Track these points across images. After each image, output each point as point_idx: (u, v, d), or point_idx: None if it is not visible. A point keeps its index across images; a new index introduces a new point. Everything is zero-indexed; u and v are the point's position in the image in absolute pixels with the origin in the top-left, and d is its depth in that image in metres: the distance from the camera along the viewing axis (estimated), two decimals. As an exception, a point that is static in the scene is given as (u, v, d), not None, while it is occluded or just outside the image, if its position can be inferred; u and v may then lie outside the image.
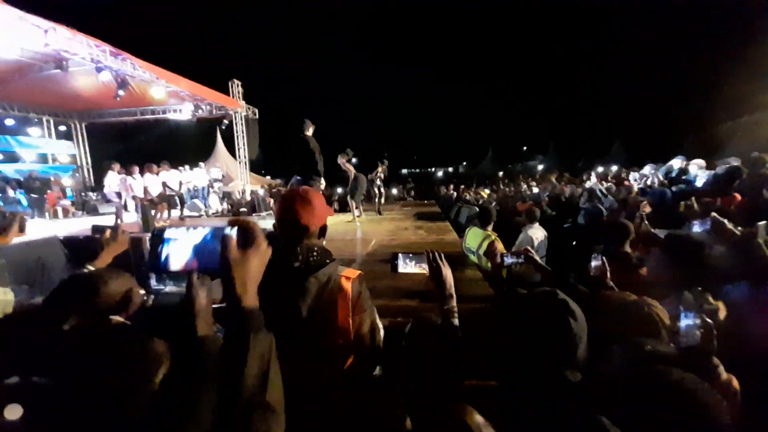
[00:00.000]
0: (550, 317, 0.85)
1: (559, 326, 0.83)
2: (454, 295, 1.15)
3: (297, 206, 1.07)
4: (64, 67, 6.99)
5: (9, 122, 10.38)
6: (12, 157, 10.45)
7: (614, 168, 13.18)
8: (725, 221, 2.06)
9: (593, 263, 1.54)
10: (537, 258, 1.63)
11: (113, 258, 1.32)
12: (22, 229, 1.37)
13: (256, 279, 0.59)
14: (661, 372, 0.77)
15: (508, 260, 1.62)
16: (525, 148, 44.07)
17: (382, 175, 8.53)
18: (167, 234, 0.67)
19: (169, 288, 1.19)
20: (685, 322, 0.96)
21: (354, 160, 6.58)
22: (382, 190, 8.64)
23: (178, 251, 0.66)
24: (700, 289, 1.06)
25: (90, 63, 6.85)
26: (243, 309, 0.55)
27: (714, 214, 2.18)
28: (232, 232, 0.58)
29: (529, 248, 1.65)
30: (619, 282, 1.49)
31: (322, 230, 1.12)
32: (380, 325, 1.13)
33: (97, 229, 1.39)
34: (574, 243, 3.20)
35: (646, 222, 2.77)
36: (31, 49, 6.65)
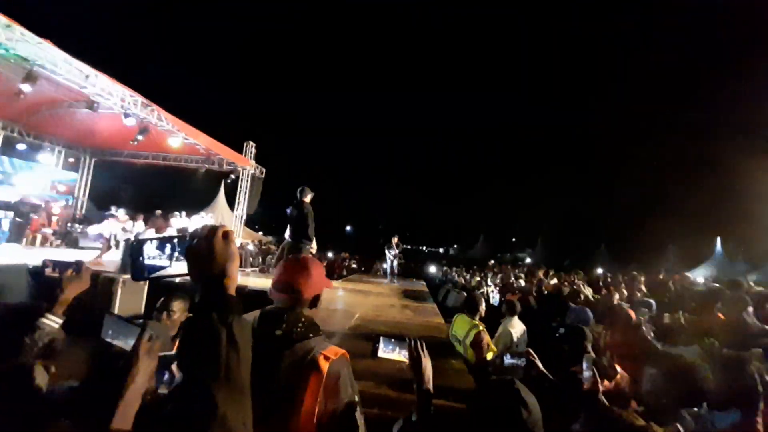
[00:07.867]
0: (502, 407, 0.88)
1: (510, 416, 0.85)
2: (432, 390, 1.09)
3: (294, 272, 1.07)
4: (95, 108, 7.48)
5: (21, 147, 10.61)
6: (8, 180, 10.44)
7: (599, 270, 13.45)
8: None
9: (586, 374, 1.43)
10: (539, 363, 1.56)
11: (74, 299, 1.23)
12: None
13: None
14: None
15: (509, 361, 1.53)
16: (514, 239, 45.61)
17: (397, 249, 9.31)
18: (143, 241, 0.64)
19: (118, 342, 1.07)
20: None
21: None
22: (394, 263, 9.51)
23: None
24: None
25: (120, 109, 7.36)
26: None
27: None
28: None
29: (531, 351, 1.59)
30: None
31: (314, 300, 1.10)
32: (360, 421, 0.97)
33: (56, 265, 1.31)
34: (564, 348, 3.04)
35: (646, 327, 2.69)
36: (70, 88, 7.09)
